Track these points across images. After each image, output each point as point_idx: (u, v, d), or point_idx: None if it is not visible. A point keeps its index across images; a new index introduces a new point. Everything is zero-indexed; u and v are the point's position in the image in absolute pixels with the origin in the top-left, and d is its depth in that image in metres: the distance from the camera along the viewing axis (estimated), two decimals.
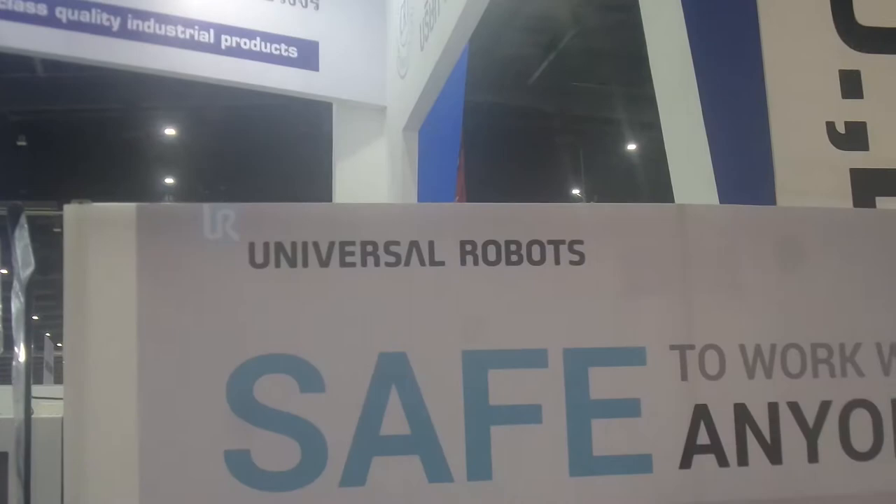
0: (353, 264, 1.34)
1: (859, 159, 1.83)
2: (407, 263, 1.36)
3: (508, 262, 1.39)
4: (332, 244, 1.34)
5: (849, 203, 1.86)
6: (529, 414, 1.36)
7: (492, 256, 1.38)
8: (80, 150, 11.25)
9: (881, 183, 1.84)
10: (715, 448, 1.40)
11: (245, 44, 5.65)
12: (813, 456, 1.42)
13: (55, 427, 1.31)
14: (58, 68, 6.32)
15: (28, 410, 1.48)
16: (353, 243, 1.34)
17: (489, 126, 8.56)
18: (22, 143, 11.19)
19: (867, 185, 1.83)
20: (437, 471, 1.32)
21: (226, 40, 5.58)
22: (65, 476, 1.25)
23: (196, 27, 5.51)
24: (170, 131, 12.14)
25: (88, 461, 1.25)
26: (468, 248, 1.37)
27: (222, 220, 1.31)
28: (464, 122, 5.66)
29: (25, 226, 1.54)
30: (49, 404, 1.33)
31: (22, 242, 1.54)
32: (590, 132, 12.08)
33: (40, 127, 10.99)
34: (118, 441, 1.26)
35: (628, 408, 1.38)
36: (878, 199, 1.85)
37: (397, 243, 1.35)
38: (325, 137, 6.40)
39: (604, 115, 11.33)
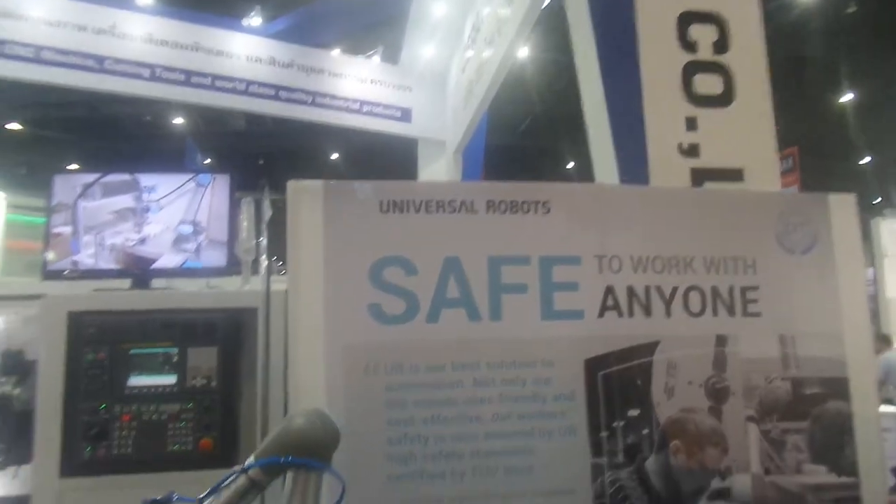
0: (431, 211, 1.49)
1: (695, 162, 2.02)
2: (459, 211, 1.50)
3: (511, 212, 1.52)
4: (421, 201, 1.49)
5: (689, 185, 2.00)
6: (521, 288, 1.49)
7: (503, 208, 1.51)
8: (290, 162, 13.79)
9: (707, 175, 2.02)
10: (616, 307, 1.53)
11: (375, 109, 7.13)
12: (669, 313, 1.56)
13: (283, 296, 1.51)
14: (279, 122, 7.99)
15: (268, 286, 1.80)
16: (431, 200, 1.49)
17: (497, 152, 9.68)
18: (261, 161, 13.80)
19: (699, 177, 2.01)
20: (474, 315, 1.46)
21: (366, 107, 7.08)
22: (287, 320, 1.43)
23: (352, 101, 7.01)
24: (334, 155, 14.39)
25: (299, 310, 1.42)
26: (490, 203, 1.50)
27: (366, 189, 1.48)
28: (485, 148, 6.93)
29: (266, 195, 1.88)
30: (284, 283, 1.58)
31: (265, 202, 1.84)
32: (549, 155, 13.88)
33: (271, 152, 13.63)
34: (314, 301, 1.42)
35: (572, 286, 1.51)
36: (706, 183, 2.00)
37: (454, 200, 1.50)
38: (413, 157, 7.61)
39: (557, 146, 12.92)
